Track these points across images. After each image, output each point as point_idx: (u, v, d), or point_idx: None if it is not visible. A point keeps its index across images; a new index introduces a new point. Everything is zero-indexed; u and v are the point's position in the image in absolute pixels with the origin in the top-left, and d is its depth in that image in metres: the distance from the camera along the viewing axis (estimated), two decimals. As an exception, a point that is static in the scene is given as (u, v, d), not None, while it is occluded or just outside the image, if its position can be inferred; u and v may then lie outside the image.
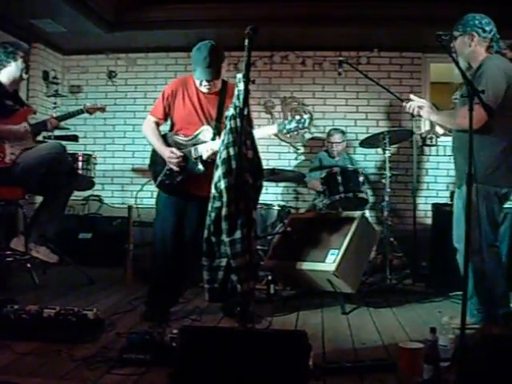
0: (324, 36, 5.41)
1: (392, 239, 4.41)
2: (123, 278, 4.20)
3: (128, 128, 5.90)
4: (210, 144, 3.05)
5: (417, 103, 3.02)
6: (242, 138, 2.48)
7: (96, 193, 5.66)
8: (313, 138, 5.72)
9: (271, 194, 5.59)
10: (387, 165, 4.33)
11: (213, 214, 2.80)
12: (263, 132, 3.14)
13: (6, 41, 3.99)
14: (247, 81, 2.28)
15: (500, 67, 2.80)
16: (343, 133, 5.27)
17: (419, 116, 3.11)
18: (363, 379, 2.15)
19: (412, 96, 3.08)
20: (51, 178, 3.61)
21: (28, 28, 5.19)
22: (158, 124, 3.21)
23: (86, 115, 4.21)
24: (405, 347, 2.14)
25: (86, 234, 5.12)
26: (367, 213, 4.50)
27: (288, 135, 3.16)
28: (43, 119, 4.01)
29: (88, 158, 4.78)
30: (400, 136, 4.63)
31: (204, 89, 3.07)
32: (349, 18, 5.01)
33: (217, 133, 3.06)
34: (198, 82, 3.07)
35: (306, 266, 3.40)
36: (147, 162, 3.33)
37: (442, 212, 4.09)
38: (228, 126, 2.80)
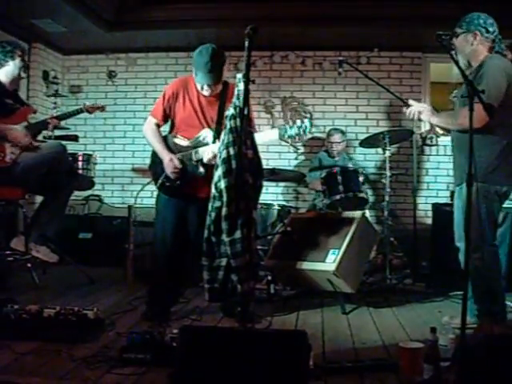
0: (324, 36, 5.41)
1: (392, 239, 4.40)
2: (123, 278, 4.20)
3: (128, 128, 5.90)
4: (210, 147, 3.04)
5: (416, 108, 3.03)
6: (242, 137, 2.48)
7: (96, 193, 5.66)
8: (313, 138, 5.72)
9: (271, 194, 5.59)
10: (387, 164, 4.33)
11: (213, 214, 2.80)
12: (264, 138, 3.14)
13: (4, 40, 3.99)
14: (247, 81, 2.28)
15: (501, 66, 2.81)
16: (343, 133, 5.27)
17: (419, 120, 3.11)
18: (363, 379, 2.15)
19: (411, 101, 3.08)
20: (51, 177, 3.62)
21: (28, 28, 5.19)
22: (158, 125, 3.20)
23: (86, 115, 4.21)
24: (405, 347, 2.14)
25: (86, 233, 5.13)
26: (367, 213, 4.49)
27: (289, 140, 3.16)
28: (43, 119, 4.02)
29: (88, 158, 4.78)
30: (400, 136, 4.62)
31: (205, 92, 3.07)
32: (349, 18, 5.01)
33: (217, 136, 3.04)
34: (199, 86, 3.06)
35: (306, 265, 3.40)
36: (147, 161, 3.34)
37: (442, 212, 4.09)
38: (228, 126, 2.80)
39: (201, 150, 3.08)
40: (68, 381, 2.08)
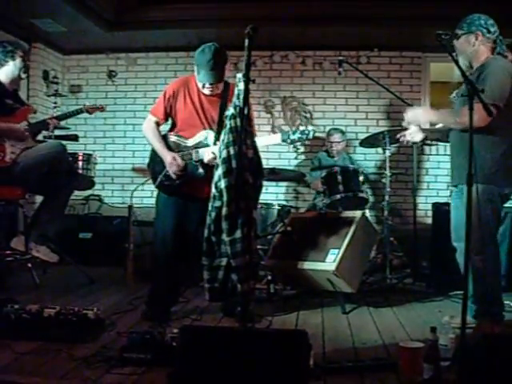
0: (324, 36, 5.42)
1: (392, 239, 4.40)
2: (123, 278, 4.20)
3: (128, 128, 5.90)
4: (211, 148, 3.04)
5: (412, 116, 3.04)
6: (242, 137, 2.48)
7: (96, 192, 5.66)
8: (313, 138, 5.70)
9: (271, 194, 5.59)
10: (387, 164, 4.33)
11: (213, 214, 2.80)
12: (267, 141, 3.14)
13: (5, 40, 3.99)
14: (247, 80, 2.28)
15: (504, 67, 2.82)
16: (343, 132, 5.27)
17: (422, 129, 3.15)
18: (363, 379, 2.15)
19: (404, 123, 3.12)
20: (51, 177, 3.61)
21: (28, 28, 5.19)
22: (158, 124, 3.20)
23: (86, 115, 4.21)
24: (405, 347, 2.14)
25: (86, 233, 5.13)
26: (367, 212, 4.49)
27: (291, 145, 3.19)
28: (43, 119, 4.02)
29: (88, 158, 4.77)
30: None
31: (206, 91, 3.07)
32: (349, 17, 5.01)
33: (218, 137, 3.03)
34: (200, 85, 3.05)
35: (307, 265, 3.40)
36: (147, 161, 3.33)
37: (442, 211, 4.08)
38: (228, 126, 2.79)
39: (201, 150, 3.08)
40: (68, 381, 2.08)
